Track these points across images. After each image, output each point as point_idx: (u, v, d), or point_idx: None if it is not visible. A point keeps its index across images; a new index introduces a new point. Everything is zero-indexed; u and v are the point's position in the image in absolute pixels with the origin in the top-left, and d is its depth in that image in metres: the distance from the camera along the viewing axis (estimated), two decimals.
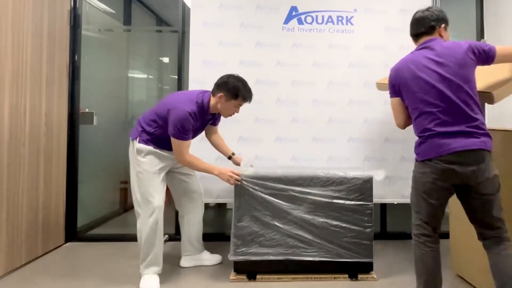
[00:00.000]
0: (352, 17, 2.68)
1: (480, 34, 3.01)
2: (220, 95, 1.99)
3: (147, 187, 1.96)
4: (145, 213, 1.96)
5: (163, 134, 1.97)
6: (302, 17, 2.67)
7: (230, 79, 2.01)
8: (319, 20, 2.68)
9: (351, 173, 2.11)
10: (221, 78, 2.04)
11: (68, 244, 2.72)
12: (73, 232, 2.77)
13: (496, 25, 2.88)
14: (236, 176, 2.01)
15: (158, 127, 1.98)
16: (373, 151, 2.65)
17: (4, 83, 2.11)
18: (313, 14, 2.68)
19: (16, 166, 2.20)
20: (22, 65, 2.25)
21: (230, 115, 2.11)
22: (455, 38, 3.33)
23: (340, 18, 2.68)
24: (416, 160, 1.58)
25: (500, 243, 1.47)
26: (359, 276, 2.08)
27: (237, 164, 2.26)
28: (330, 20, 2.68)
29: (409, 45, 2.63)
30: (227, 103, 2.01)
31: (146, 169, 1.98)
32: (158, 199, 1.97)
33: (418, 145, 1.56)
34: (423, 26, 1.61)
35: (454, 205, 2.12)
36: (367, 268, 2.09)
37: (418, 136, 1.56)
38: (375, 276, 2.10)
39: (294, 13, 2.67)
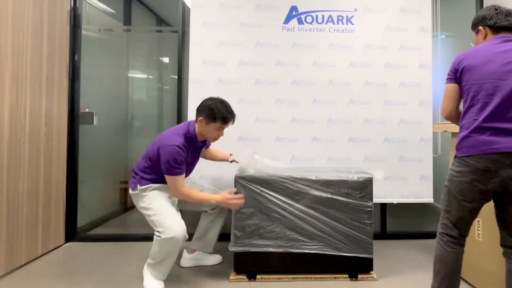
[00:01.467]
0: (352, 16, 2.68)
1: None
2: (200, 119, 2.01)
3: (162, 217, 1.91)
4: (167, 241, 1.87)
5: (161, 176, 1.99)
6: (302, 16, 2.67)
7: (208, 101, 2.03)
8: (319, 20, 2.68)
9: (351, 173, 2.12)
10: (202, 102, 2.05)
11: (68, 244, 2.72)
12: (73, 232, 2.77)
13: None
14: (235, 196, 2.01)
15: (154, 173, 2.01)
16: (373, 151, 2.65)
17: (4, 83, 2.11)
18: (313, 14, 2.68)
19: (16, 166, 2.20)
20: (22, 65, 2.26)
21: (215, 139, 2.10)
22: (455, 38, 3.33)
23: (340, 18, 2.68)
24: (456, 156, 1.47)
25: None
26: (359, 276, 2.09)
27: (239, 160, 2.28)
28: (330, 19, 2.68)
29: (409, 45, 2.68)
30: (207, 126, 2.01)
31: (154, 200, 1.97)
32: (178, 227, 1.87)
33: (461, 139, 1.45)
34: (511, 23, 1.52)
35: None
36: (367, 266, 2.09)
37: (463, 127, 1.46)
38: (375, 276, 2.10)
39: (294, 13, 2.67)
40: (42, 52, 2.45)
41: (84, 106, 2.87)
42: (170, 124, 3.57)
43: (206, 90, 2.60)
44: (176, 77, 2.86)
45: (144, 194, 2.00)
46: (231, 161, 2.32)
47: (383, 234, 2.85)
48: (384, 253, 2.53)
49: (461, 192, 1.44)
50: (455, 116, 1.56)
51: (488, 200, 1.47)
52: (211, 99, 2.05)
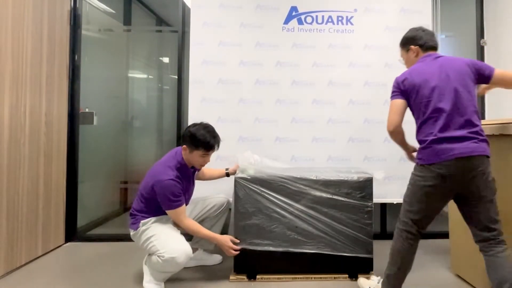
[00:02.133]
0: (352, 17, 2.69)
1: (480, 34, 3.01)
2: (184, 147, 1.97)
3: (164, 240, 1.86)
4: (169, 262, 1.82)
5: (159, 211, 1.95)
6: (302, 17, 2.67)
7: (191, 128, 1.97)
8: (319, 20, 2.68)
9: (351, 173, 2.12)
10: (186, 128, 2.01)
11: (68, 244, 2.72)
12: (73, 232, 2.78)
13: (496, 25, 2.88)
14: (235, 247, 2.01)
15: (152, 211, 1.96)
16: (373, 151, 2.65)
17: (4, 83, 2.11)
18: (313, 14, 2.68)
19: (16, 166, 2.20)
20: (22, 65, 2.26)
21: (202, 165, 2.05)
22: (455, 38, 3.33)
23: (340, 18, 2.68)
24: (417, 164, 1.61)
25: (497, 245, 1.52)
26: (359, 276, 2.08)
27: (234, 172, 2.26)
28: (330, 20, 2.68)
29: None
30: (191, 154, 1.96)
31: (156, 228, 1.93)
32: (181, 249, 1.83)
33: (421, 150, 1.60)
34: (436, 43, 1.75)
35: (454, 206, 2.12)
36: (367, 266, 2.09)
37: (421, 141, 1.60)
38: (375, 276, 2.10)
39: (294, 13, 2.67)
40: (42, 52, 2.45)
41: (84, 106, 2.87)
42: (170, 124, 3.57)
43: (206, 90, 2.60)
44: (176, 77, 2.87)
45: (145, 228, 1.94)
46: (229, 175, 2.28)
47: (383, 234, 2.85)
48: (384, 253, 2.51)
49: (425, 195, 1.57)
50: (401, 131, 1.70)
51: (450, 199, 1.62)
52: (194, 125, 1.99)
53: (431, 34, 1.76)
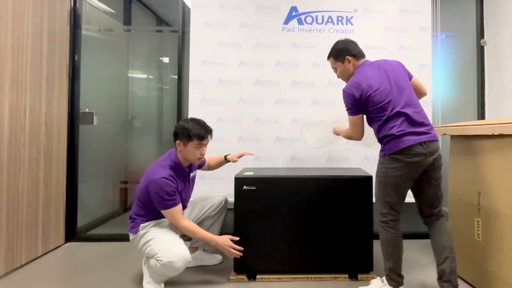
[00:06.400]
0: (352, 17, 2.69)
1: (480, 34, 3.01)
2: (178, 142, 1.96)
3: (162, 243, 1.87)
4: (167, 266, 1.82)
5: (157, 213, 1.94)
6: (302, 17, 2.68)
7: (181, 123, 1.99)
8: (319, 20, 2.68)
9: (351, 173, 2.12)
10: (175, 126, 2.01)
11: (68, 244, 2.72)
12: (73, 232, 2.78)
13: (496, 25, 2.88)
14: (236, 251, 1.98)
15: (149, 213, 1.95)
16: (373, 151, 2.64)
17: (4, 83, 2.11)
18: (313, 14, 2.68)
19: (16, 166, 2.20)
20: (22, 65, 2.26)
21: (199, 158, 2.01)
22: (455, 38, 3.33)
23: (340, 18, 2.69)
24: (386, 154, 1.74)
25: (440, 218, 1.80)
26: (359, 276, 2.09)
27: (234, 160, 2.29)
28: (330, 20, 2.68)
29: (409, 45, 2.68)
30: (186, 148, 1.95)
31: (155, 231, 1.93)
32: (179, 253, 1.82)
33: (388, 141, 1.72)
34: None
35: (453, 206, 2.13)
36: (367, 266, 2.09)
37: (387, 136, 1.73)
38: (375, 276, 2.10)
39: (294, 13, 2.68)
40: (42, 52, 2.45)
41: (84, 106, 2.87)
42: (170, 124, 3.57)
43: (206, 90, 2.61)
44: (176, 77, 2.87)
45: (144, 231, 1.94)
46: (226, 159, 2.31)
47: None
48: None
49: (399, 183, 1.73)
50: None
51: (415, 181, 1.77)
52: (184, 120, 2.02)
53: (356, 44, 1.93)
